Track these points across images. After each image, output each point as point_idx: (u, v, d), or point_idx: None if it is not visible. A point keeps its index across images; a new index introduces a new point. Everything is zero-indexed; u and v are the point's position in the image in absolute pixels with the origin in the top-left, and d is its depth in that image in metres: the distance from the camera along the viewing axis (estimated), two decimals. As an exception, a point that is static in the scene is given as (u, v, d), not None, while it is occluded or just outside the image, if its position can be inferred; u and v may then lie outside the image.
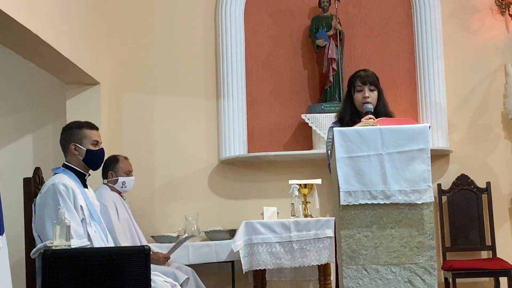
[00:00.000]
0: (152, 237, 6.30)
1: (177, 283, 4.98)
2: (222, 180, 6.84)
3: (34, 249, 4.27)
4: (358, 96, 4.53)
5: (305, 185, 6.14)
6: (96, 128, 4.71)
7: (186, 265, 5.78)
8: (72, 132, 4.62)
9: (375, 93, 4.54)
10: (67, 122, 6.16)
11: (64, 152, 4.65)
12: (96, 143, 4.65)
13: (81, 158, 4.58)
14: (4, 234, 3.53)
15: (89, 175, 4.70)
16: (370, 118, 4.24)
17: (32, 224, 4.39)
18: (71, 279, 3.93)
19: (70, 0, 5.74)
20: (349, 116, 4.53)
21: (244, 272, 5.73)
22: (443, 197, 6.70)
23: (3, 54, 6.48)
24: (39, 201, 4.37)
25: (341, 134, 3.91)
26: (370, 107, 4.43)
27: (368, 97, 4.50)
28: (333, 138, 3.95)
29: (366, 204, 3.85)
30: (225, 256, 6.03)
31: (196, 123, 6.87)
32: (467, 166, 6.80)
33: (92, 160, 4.63)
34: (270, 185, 6.77)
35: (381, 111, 4.49)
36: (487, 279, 6.61)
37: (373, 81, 4.53)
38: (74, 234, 4.20)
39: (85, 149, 4.58)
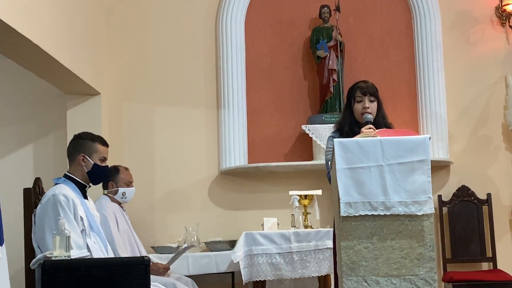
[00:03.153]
0: (152, 247, 6.29)
1: (177, 294, 4.98)
2: (222, 190, 6.84)
3: (34, 260, 4.27)
4: (358, 107, 4.54)
5: (306, 196, 6.14)
6: (107, 145, 4.73)
7: (186, 275, 5.77)
8: (84, 143, 4.62)
9: (375, 104, 4.55)
10: (68, 133, 6.21)
11: (70, 160, 4.64)
12: (104, 159, 4.67)
13: (86, 171, 4.58)
14: (3, 244, 3.52)
15: (90, 186, 4.70)
16: (369, 128, 4.25)
17: (32, 235, 4.38)
18: (71, 290, 3.92)
19: (70, 10, 5.75)
20: (349, 126, 4.54)
21: (244, 283, 5.73)
22: (443, 208, 6.69)
23: (4, 65, 6.49)
24: (39, 212, 4.36)
25: (341, 145, 3.91)
26: (370, 117, 4.44)
27: (368, 107, 4.50)
28: (333, 149, 3.95)
29: (366, 215, 3.85)
30: (225, 267, 6.02)
31: (196, 133, 6.87)
32: (468, 177, 6.80)
33: (96, 175, 4.63)
34: (270, 196, 6.76)
35: (380, 122, 4.50)
36: (487, 290, 6.60)
37: (373, 92, 4.54)
38: (74, 245, 4.20)
39: (93, 163, 4.59)
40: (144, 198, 6.68)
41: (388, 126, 4.53)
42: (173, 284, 5.15)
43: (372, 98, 4.54)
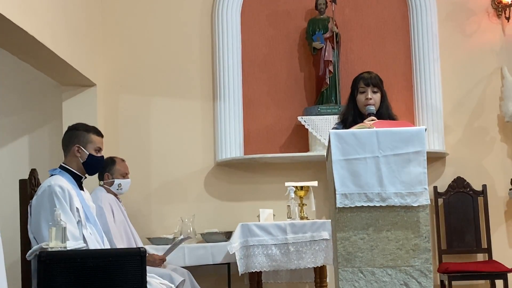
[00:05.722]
0: (148, 239, 6.29)
1: (173, 285, 4.98)
2: (218, 182, 6.84)
3: (30, 251, 4.26)
4: (361, 98, 4.52)
5: (302, 187, 6.13)
6: (102, 135, 4.73)
7: (182, 267, 5.78)
8: (78, 134, 4.62)
9: (378, 95, 4.52)
10: (64, 124, 6.20)
11: (65, 151, 4.64)
12: (99, 149, 4.66)
13: (82, 161, 4.58)
14: (-1, 234, 3.52)
15: (85, 177, 4.70)
16: (372, 120, 4.23)
17: (28, 226, 4.38)
18: (67, 281, 3.92)
19: (66, 1, 5.73)
20: (352, 117, 4.51)
21: (240, 274, 5.73)
22: (439, 199, 6.71)
23: (-1, 56, 6.48)
24: (35, 203, 4.36)
25: (337, 136, 3.91)
26: (373, 109, 4.42)
27: (370, 98, 4.48)
28: (329, 140, 3.95)
29: (362, 206, 3.85)
30: (221, 258, 6.03)
31: (192, 125, 6.87)
32: (463, 168, 6.81)
33: (91, 166, 4.63)
34: (266, 187, 6.77)
35: (384, 113, 4.48)
36: (483, 281, 6.61)
37: (376, 83, 4.52)
38: (70, 236, 4.20)
39: (88, 153, 4.58)
40: (140, 190, 6.68)
41: (392, 117, 4.51)
42: (169, 275, 5.15)
43: (375, 89, 4.51)
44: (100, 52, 6.78)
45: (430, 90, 6.80)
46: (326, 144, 4.89)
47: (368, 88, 4.50)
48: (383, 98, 4.56)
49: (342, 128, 4.30)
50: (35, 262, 4.09)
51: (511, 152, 6.87)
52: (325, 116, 6.58)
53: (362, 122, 4.28)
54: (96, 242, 4.51)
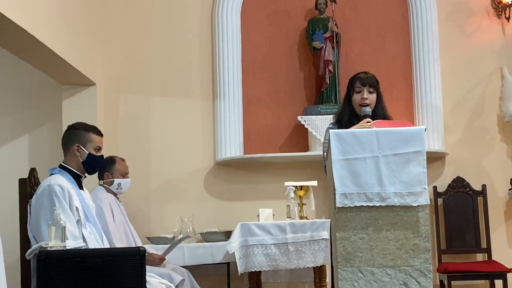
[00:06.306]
0: (148, 238, 6.29)
1: (172, 285, 4.98)
2: (218, 181, 6.84)
3: (29, 250, 4.26)
4: (356, 98, 4.54)
5: (301, 187, 6.13)
6: (102, 135, 4.73)
7: (181, 266, 5.78)
8: (78, 133, 4.62)
9: (374, 95, 4.54)
10: (63, 123, 6.20)
11: (64, 151, 4.64)
12: (99, 149, 4.66)
13: (81, 161, 4.58)
14: (-1, 234, 3.52)
15: (85, 177, 4.70)
16: (368, 122, 4.24)
17: (27, 225, 4.38)
18: (66, 280, 3.91)
19: (66, 0, 5.73)
20: (348, 117, 4.54)
21: (239, 274, 5.73)
22: (438, 199, 6.71)
23: (-1, 55, 6.48)
24: (35, 202, 4.36)
25: (337, 136, 3.91)
26: (368, 110, 4.43)
27: (366, 98, 4.50)
28: (329, 140, 3.95)
29: (362, 206, 3.85)
30: (221, 258, 6.03)
31: (192, 124, 6.87)
32: (463, 168, 6.81)
33: (91, 165, 4.63)
34: (266, 187, 6.77)
35: (379, 114, 4.49)
36: (482, 281, 6.60)
37: (372, 83, 4.54)
38: (69, 235, 4.19)
39: (87, 153, 4.58)
40: (140, 189, 6.68)
41: (387, 118, 4.52)
42: (168, 274, 5.15)
43: (371, 90, 4.53)
44: (100, 51, 6.78)
45: (430, 90, 6.80)
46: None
47: (364, 88, 4.52)
48: (379, 98, 4.57)
49: (338, 128, 4.30)
50: (35, 261, 4.09)
51: (511, 152, 6.87)
52: (325, 116, 6.58)
53: (357, 122, 4.30)
54: (96, 241, 4.51)
